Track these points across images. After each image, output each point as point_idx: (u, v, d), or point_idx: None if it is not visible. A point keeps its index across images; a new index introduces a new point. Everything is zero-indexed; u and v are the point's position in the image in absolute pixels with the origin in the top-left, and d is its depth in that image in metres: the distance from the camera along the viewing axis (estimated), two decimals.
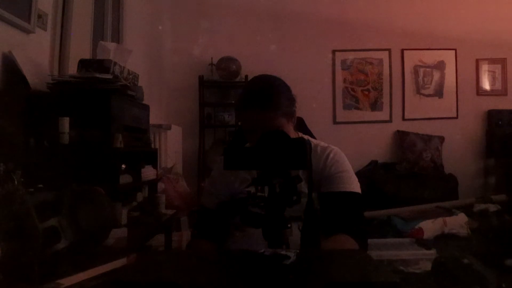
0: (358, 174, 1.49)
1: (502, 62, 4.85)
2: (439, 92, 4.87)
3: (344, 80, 4.82)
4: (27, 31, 1.97)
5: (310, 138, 1.38)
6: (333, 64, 4.80)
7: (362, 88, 4.84)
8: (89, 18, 2.70)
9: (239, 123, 1.46)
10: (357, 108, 4.83)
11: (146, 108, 2.53)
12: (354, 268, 0.81)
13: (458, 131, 4.78)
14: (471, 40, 4.74)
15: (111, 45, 2.32)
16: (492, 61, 4.86)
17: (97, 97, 1.94)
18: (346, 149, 1.39)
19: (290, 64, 4.36)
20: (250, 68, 4.17)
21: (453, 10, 4.69)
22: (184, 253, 1.40)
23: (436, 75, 4.87)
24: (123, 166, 2.10)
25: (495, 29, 4.66)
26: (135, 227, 1.93)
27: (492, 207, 3.76)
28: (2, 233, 1.02)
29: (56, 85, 1.95)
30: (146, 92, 2.51)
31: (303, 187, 1.06)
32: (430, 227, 3.24)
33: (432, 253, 2.63)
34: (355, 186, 1.28)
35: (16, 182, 1.11)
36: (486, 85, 4.90)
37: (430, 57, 4.85)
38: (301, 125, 1.46)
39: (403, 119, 4.84)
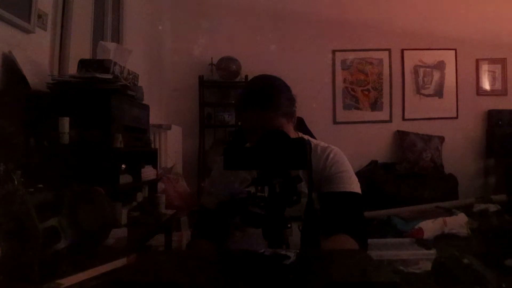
0: (358, 174, 1.49)
1: (502, 62, 4.85)
2: (439, 92, 4.87)
3: (344, 80, 4.82)
4: (27, 31, 1.97)
5: (310, 138, 1.38)
6: (333, 64, 4.80)
7: (362, 88, 4.84)
8: (89, 18, 2.70)
9: (239, 123, 1.46)
10: (357, 108, 4.83)
11: (146, 108, 2.53)
12: (354, 268, 0.81)
13: (458, 131, 4.78)
14: (471, 40, 4.74)
15: (111, 45, 2.32)
16: (492, 61, 4.86)
17: (97, 97, 1.94)
18: (346, 149, 1.39)
19: (290, 64, 4.36)
20: (250, 68, 4.17)
21: (453, 10, 4.69)
22: (184, 253, 1.40)
23: (436, 75, 4.87)
24: (123, 166, 2.10)
25: (495, 29, 4.66)
26: (135, 227, 1.93)
27: (492, 207, 3.76)
28: (2, 233, 1.02)
29: (56, 85, 1.95)
30: (146, 92, 2.51)
31: (303, 187, 1.06)
32: (430, 227, 3.24)
33: (432, 253, 2.62)
34: (355, 186, 1.28)
35: (16, 182, 1.11)
36: (486, 85, 4.90)
37: (430, 57, 4.85)
38: (301, 125, 1.46)
39: (403, 119, 4.84)
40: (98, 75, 1.93)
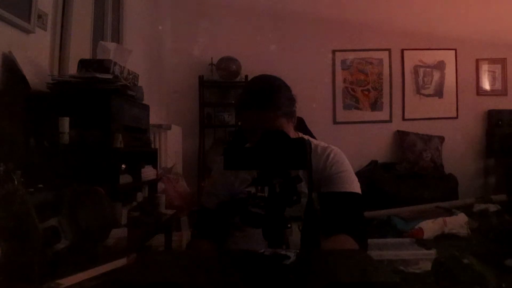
0: (358, 174, 1.49)
1: (502, 62, 4.85)
2: (439, 92, 4.87)
3: (344, 80, 4.82)
4: (27, 31, 1.97)
5: (310, 138, 1.38)
6: (333, 64, 4.80)
7: (362, 88, 4.84)
8: (89, 18, 2.70)
9: (239, 123, 1.46)
10: (357, 108, 4.83)
11: (146, 108, 2.53)
12: (354, 268, 0.81)
13: (458, 131, 4.78)
14: (471, 40, 4.74)
15: (111, 45, 2.32)
16: (492, 61, 4.86)
17: (97, 97, 1.94)
18: (346, 149, 1.39)
19: (290, 64, 4.36)
20: (250, 68, 4.17)
21: (453, 10, 4.68)
22: (184, 253, 1.40)
23: (436, 75, 4.87)
24: (123, 166, 2.10)
25: (495, 29, 4.66)
26: (135, 227, 1.93)
27: (492, 207, 3.77)
28: (2, 233, 1.02)
29: (56, 85, 1.95)
30: (146, 92, 2.51)
31: (303, 187, 1.06)
32: (430, 227, 3.24)
33: (432, 253, 2.62)
34: (355, 186, 1.28)
35: (16, 182, 1.11)
36: (486, 85, 4.90)
37: (430, 57, 4.85)
38: (301, 125, 1.46)
39: (403, 119, 4.84)
40: (98, 75, 1.93)
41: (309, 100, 4.17)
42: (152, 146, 2.90)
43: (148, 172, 2.45)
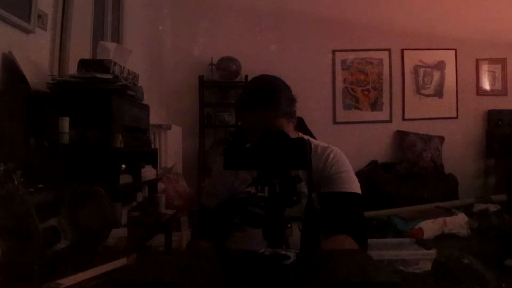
0: (358, 174, 1.49)
1: (502, 62, 4.85)
2: (439, 92, 4.87)
3: (344, 80, 4.82)
4: (27, 31, 1.97)
5: (310, 138, 1.38)
6: (333, 64, 4.80)
7: (362, 88, 4.84)
8: (89, 18, 2.70)
9: (239, 123, 1.46)
10: (357, 108, 4.83)
11: (146, 108, 2.53)
12: (354, 268, 0.81)
13: (458, 131, 4.78)
14: (471, 40, 4.74)
15: (111, 45, 2.32)
16: (492, 61, 4.86)
17: (97, 97, 1.94)
18: (346, 149, 1.39)
19: (290, 64, 4.36)
20: (250, 68, 4.17)
21: (453, 10, 4.68)
22: (184, 253, 1.40)
23: (436, 75, 4.87)
24: (123, 166, 2.10)
25: (495, 29, 4.66)
26: (135, 227, 1.93)
27: (492, 207, 3.76)
28: (2, 233, 1.02)
29: (56, 85, 1.95)
30: (146, 92, 2.51)
31: (303, 187, 1.06)
32: (430, 227, 3.24)
33: (432, 253, 2.62)
34: (355, 186, 1.28)
35: (16, 182, 1.11)
36: (486, 85, 4.90)
37: (430, 57, 4.85)
38: (301, 125, 1.46)
39: (403, 119, 4.84)
40: (98, 75, 1.93)
41: (309, 100, 4.18)
42: (152, 146, 2.90)
43: (148, 172, 2.45)
